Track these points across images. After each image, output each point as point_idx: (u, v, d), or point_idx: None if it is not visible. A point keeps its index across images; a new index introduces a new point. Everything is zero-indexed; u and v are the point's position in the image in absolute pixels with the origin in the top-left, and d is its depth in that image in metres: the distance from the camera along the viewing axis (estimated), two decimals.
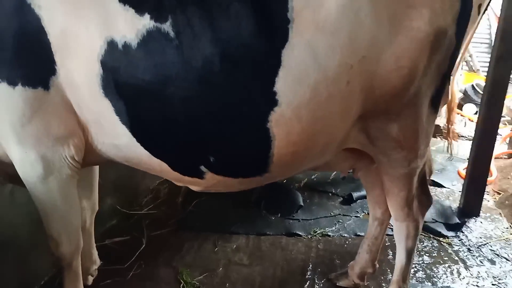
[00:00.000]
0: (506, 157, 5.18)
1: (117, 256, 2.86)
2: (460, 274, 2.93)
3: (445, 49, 1.79)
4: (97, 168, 2.45)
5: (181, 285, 2.64)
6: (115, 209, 3.33)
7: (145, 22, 1.55)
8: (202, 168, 1.78)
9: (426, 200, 2.25)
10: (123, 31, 1.56)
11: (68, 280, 2.13)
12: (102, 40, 1.57)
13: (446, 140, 4.53)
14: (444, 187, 4.36)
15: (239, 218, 3.50)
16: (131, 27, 1.56)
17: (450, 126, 3.83)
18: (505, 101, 7.05)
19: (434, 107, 1.93)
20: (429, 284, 2.80)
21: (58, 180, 1.84)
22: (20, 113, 1.67)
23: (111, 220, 3.28)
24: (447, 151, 4.58)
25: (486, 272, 2.96)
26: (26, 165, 1.79)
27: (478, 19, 3.93)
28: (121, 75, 1.60)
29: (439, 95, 1.92)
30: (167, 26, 1.54)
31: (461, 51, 3.87)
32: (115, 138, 1.77)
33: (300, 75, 1.58)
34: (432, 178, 4.43)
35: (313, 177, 4.36)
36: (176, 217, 3.48)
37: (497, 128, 3.65)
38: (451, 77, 4.14)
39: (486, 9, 3.91)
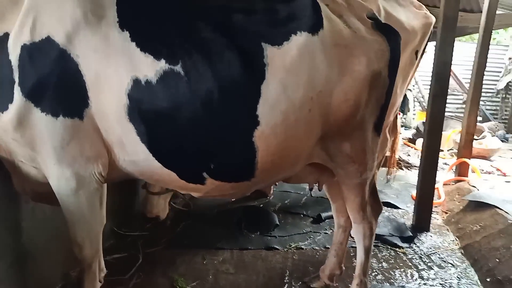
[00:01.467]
0: (453, 183, 5.88)
1: (118, 269, 3.19)
2: (413, 276, 3.45)
3: (381, 87, 2.37)
4: (105, 186, 2.85)
5: None
6: (112, 230, 3.70)
7: (162, 65, 1.99)
8: (204, 174, 2.19)
9: (377, 207, 2.79)
10: (145, 71, 1.99)
11: (87, 280, 2.46)
12: (129, 79, 1.99)
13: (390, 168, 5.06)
14: (400, 208, 5.00)
15: (223, 236, 3.93)
16: (151, 68, 1.99)
17: (393, 154, 4.45)
18: (451, 135, 7.92)
19: (377, 131, 2.49)
20: (388, 284, 3.30)
21: (87, 193, 2.21)
22: (61, 138, 2.03)
23: (109, 240, 3.62)
24: (387, 175, 5.12)
25: (434, 274, 3.50)
26: (62, 181, 2.15)
27: (416, 62, 4.73)
28: (143, 104, 2.01)
29: (380, 122, 2.48)
30: (178, 68, 2.00)
31: (404, 88, 4.60)
32: (134, 155, 2.16)
33: (274, 104, 2.07)
34: (390, 201, 5.08)
35: (286, 201, 4.92)
36: (167, 237, 3.88)
37: (438, 156, 4.31)
38: (398, 114, 4.84)
39: (422, 54, 4.71)
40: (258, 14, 2.17)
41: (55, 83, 2.00)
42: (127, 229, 3.90)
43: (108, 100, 2.05)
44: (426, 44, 4.55)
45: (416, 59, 4.60)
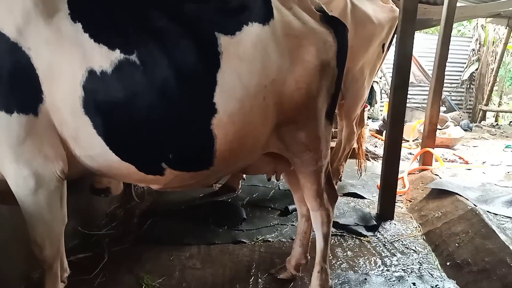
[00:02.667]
0: (417, 172, 6.03)
1: (83, 269, 3.15)
2: (377, 263, 3.54)
3: (331, 76, 2.46)
4: (65, 185, 2.81)
5: (143, 287, 3.02)
6: (76, 230, 3.64)
7: (117, 55, 2.00)
8: (163, 165, 2.20)
9: (333, 195, 2.87)
10: (99, 62, 1.98)
11: (48, 281, 2.41)
12: (84, 70, 1.97)
13: (360, 160, 5.16)
14: (366, 198, 5.10)
15: (190, 232, 3.93)
16: (106, 59, 1.99)
17: (360, 146, 4.54)
18: (416, 126, 8.11)
19: (329, 120, 2.57)
20: (352, 272, 3.38)
21: (46, 192, 2.16)
22: (16, 135, 1.98)
23: (73, 240, 3.55)
24: (359, 169, 5.22)
25: (397, 261, 3.59)
26: (20, 180, 2.10)
27: (383, 55, 4.81)
28: (99, 96, 2.00)
29: (331, 110, 2.57)
30: (133, 57, 2.00)
31: (371, 81, 4.69)
32: (90, 149, 2.13)
33: (231, 92, 2.12)
34: (356, 191, 5.18)
35: (254, 195, 4.96)
36: (133, 234, 3.85)
37: (400, 146, 4.41)
38: (365, 107, 4.95)
39: (389, 47, 4.80)
40: (211, 4, 2.21)
41: (7, 78, 1.95)
42: (92, 228, 3.85)
43: (63, 93, 2.02)
44: (393, 37, 4.65)
45: (383, 52, 4.71)
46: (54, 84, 2.00)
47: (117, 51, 2.01)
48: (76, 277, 3.04)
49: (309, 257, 3.22)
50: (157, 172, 2.25)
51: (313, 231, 3.20)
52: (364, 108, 4.96)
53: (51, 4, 2.02)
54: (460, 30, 16.45)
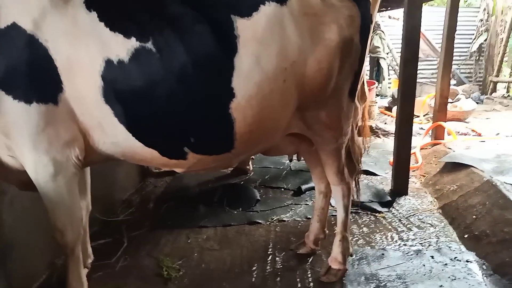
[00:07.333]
0: (430, 147, 5.99)
1: (104, 254, 3.20)
2: (393, 238, 3.54)
3: (354, 53, 2.42)
4: (89, 173, 2.83)
5: (164, 269, 3.06)
6: (95, 217, 3.68)
7: (133, 43, 2.01)
8: (185, 149, 2.23)
9: (353, 168, 2.90)
10: (116, 51, 2.00)
11: (72, 264, 2.47)
12: (101, 60, 2.00)
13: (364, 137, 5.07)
14: (379, 175, 5.09)
15: (206, 215, 3.97)
16: (123, 48, 2.01)
17: (364, 122, 4.47)
18: (426, 100, 8.03)
19: (351, 97, 2.56)
20: (369, 248, 3.39)
21: (65, 178, 2.21)
22: (35, 124, 2.03)
23: (92, 227, 3.57)
24: (363, 146, 5.14)
25: (414, 235, 3.59)
26: (40, 167, 2.14)
27: (371, 27, 4.71)
28: (118, 85, 2.03)
29: (354, 88, 2.55)
30: (149, 45, 2.01)
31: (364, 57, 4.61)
32: (114, 136, 2.18)
33: (248, 76, 2.10)
34: (368, 169, 5.16)
35: (266, 177, 4.97)
36: (150, 220, 3.90)
37: (412, 121, 4.38)
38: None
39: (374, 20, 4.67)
40: None
41: (26, 69, 1.99)
42: (110, 215, 3.91)
43: (82, 83, 2.05)
44: (383, 10, 4.55)
45: (371, 23, 4.62)
46: (74, 74, 2.03)
47: (133, 39, 2.01)
48: (98, 262, 3.10)
49: (327, 232, 3.26)
50: (180, 156, 2.27)
51: (332, 206, 3.24)
52: (363, 82, 4.88)
53: None
54: (466, 1, 16.14)
